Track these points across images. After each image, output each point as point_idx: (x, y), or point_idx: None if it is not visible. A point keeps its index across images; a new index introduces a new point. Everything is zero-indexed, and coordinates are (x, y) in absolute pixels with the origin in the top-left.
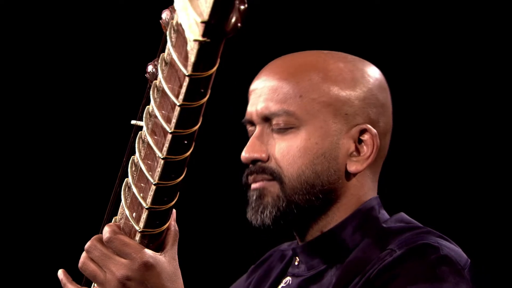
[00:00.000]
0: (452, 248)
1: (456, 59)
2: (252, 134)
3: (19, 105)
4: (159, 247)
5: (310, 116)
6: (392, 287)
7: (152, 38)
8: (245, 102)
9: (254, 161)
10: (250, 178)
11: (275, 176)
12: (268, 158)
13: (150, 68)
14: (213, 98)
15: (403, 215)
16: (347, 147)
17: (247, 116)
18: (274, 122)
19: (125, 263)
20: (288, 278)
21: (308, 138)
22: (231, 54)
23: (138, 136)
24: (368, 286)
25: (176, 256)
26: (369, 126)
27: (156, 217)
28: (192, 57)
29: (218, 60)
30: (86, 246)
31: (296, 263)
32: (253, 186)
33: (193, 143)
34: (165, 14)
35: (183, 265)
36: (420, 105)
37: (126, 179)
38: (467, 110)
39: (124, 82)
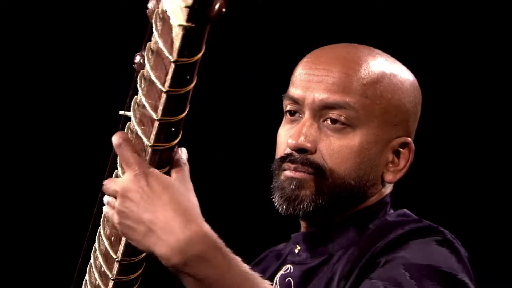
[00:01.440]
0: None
1: (456, 59)
2: (293, 118)
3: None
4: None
5: (368, 118)
6: (391, 259)
7: (139, 30)
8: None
9: (301, 150)
10: (291, 166)
11: (319, 172)
12: (317, 151)
13: (137, 58)
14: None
15: (405, 211)
16: (387, 156)
17: (297, 96)
18: (332, 115)
19: (124, 177)
20: (289, 266)
21: (363, 142)
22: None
23: (126, 126)
24: (371, 262)
25: (189, 179)
26: (410, 139)
27: None
28: (177, 43)
29: (204, 46)
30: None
31: (297, 251)
32: (291, 174)
33: (181, 131)
34: (151, 4)
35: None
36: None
37: (116, 170)
38: (467, 110)
39: (112, 74)
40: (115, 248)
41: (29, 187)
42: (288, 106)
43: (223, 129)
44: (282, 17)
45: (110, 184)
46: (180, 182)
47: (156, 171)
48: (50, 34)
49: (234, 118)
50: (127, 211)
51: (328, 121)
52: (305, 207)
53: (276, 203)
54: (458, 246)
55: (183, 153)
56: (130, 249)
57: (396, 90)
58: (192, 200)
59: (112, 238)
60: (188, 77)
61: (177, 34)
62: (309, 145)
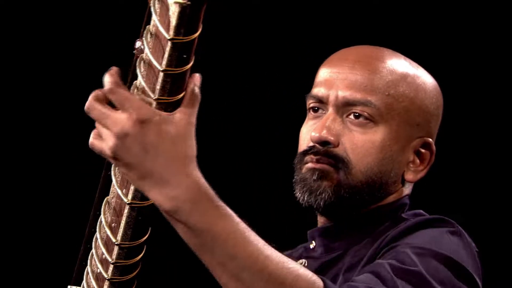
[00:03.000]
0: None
1: (455, 59)
2: (317, 114)
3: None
4: None
5: (390, 116)
6: (399, 244)
7: (139, 17)
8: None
9: (324, 143)
10: (313, 158)
11: (342, 164)
12: (339, 144)
13: (138, 44)
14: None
15: (421, 211)
16: (408, 156)
17: (320, 95)
18: (355, 110)
19: (122, 118)
20: (303, 260)
21: (383, 138)
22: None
23: None
24: (379, 250)
25: (193, 120)
26: (431, 140)
27: None
28: (173, 21)
29: (200, 26)
30: (85, 107)
31: (312, 247)
32: (313, 165)
33: None
34: None
35: (183, 266)
36: None
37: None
38: (467, 110)
39: (113, 60)
40: (115, 233)
41: (30, 178)
42: (311, 104)
43: (229, 128)
44: (289, 18)
45: (103, 115)
46: (181, 127)
47: (155, 116)
48: (47, 28)
49: (244, 117)
50: (122, 155)
51: (351, 116)
52: (326, 197)
53: (298, 194)
54: (469, 240)
55: (196, 81)
56: (130, 233)
57: (418, 91)
58: (189, 149)
59: (113, 224)
60: (184, 56)
61: (173, 12)
62: (332, 138)
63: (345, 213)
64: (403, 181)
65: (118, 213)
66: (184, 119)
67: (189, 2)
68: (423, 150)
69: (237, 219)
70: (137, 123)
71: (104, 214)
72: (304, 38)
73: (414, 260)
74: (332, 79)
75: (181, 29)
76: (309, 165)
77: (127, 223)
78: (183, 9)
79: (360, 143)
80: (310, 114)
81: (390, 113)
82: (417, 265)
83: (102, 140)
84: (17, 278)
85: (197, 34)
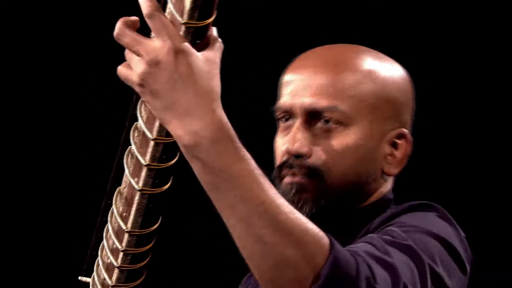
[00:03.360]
0: None
1: (455, 59)
2: (287, 124)
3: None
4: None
5: (358, 116)
6: (387, 225)
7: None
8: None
9: (297, 156)
10: (288, 171)
11: (317, 174)
12: (311, 154)
13: None
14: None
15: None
16: (385, 150)
17: (286, 106)
18: (322, 117)
19: (156, 45)
20: None
21: (355, 139)
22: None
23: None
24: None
25: (218, 60)
26: (406, 131)
27: (157, 176)
28: (187, 5)
29: (215, 12)
30: (115, 33)
31: None
32: (290, 180)
33: None
34: None
35: (182, 266)
36: (419, 104)
37: (129, 147)
38: (467, 110)
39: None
40: (125, 221)
41: (42, 169)
42: (279, 115)
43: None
44: (288, 18)
45: (136, 41)
46: (209, 64)
47: (188, 48)
48: (49, 29)
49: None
50: (151, 82)
51: (320, 123)
52: (307, 209)
53: None
54: (457, 225)
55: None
56: (140, 220)
57: (385, 85)
58: (215, 86)
59: (124, 214)
60: (197, 41)
61: None
62: (303, 149)
63: (329, 219)
64: (384, 176)
65: (129, 203)
66: (212, 58)
67: None
68: (399, 141)
69: (254, 163)
70: (171, 52)
71: (116, 204)
72: (303, 38)
73: (404, 236)
74: (295, 87)
75: (194, 13)
76: (287, 179)
77: (137, 210)
78: None
79: (333, 149)
80: (280, 125)
81: (359, 113)
82: (407, 240)
83: (131, 67)
84: (29, 269)
85: (211, 20)
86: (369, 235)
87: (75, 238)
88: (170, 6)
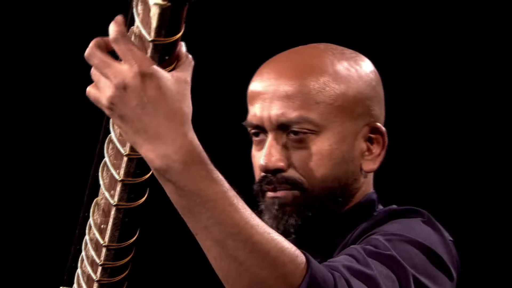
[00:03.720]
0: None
1: (455, 59)
2: (259, 139)
3: None
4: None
5: (328, 121)
6: (371, 234)
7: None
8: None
9: (274, 171)
10: (269, 187)
11: (297, 186)
12: (288, 167)
13: None
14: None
15: (395, 207)
16: (361, 147)
17: (256, 121)
18: (292, 129)
19: (123, 69)
20: None
21: (329, 144)
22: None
23: None
24: (351, 243)
25: (189, 79)
26: (378, 124)
27: (132, 191)
28: (154, 22)
29: (183, 27)
30: (86, 53)
31: None
32: (272, 194)
33: None
34: None
35: (170, 266)
36: (419, 104)
37: (104, 159)
38: (468, 110)
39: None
40: (103, 235)
41: (20, 179)
42: (251, 131)
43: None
44: (283, 21)
45: (104, 64)
46: (179, 85)
47: (156, 71)
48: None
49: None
50: (119, 106)
51: (292, 134)
52: (294, 222)
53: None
54: (442, 229)
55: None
56: (117, 235)
57: (350, 83)
58: (186, 108)
59: (102, 226)
60: (166, 57)
61: (154, 14)
62: (280, 164)
63: (316, 228)
64: (364, 174)
65: (106, 214)
66: (182, 77)
67: (169, 4)
68: (373, 136)
69: (227, 185)
70: (137, 76)
71: (93, 215)
72: (303, 38)
73: (387, 245)
74: (262, 99)
75: (162, 30)
76: (269, 194)
77: (114, 224)
78: (163, 10)
79: (308, 159)
80: (254, 139)
81: (329, 118)
82: (390, 250)
83: (100, 90)
84: (9, 279)
85: (179, 35)
86: (351, 246)
87: (55, 247)
88: (138, 24)
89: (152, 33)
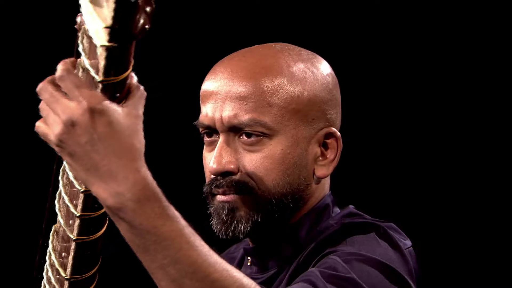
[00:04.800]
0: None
1: (455, 59)
2: (210, 140)
3: None
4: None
5: (281, 125)
6: (327, 253)
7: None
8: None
9: (223, 174)
10: (219, 190)
11: (247, 190)
12: (239, 170)
13: (79, 19)
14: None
15: (351, 209)
16: (314, 152)
17: (207, 121)
18: (244, 132)
19: (71, 106)
20: None
21: (281, 149)
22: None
23: None
24: (307, 259)
25: (140, 112)
26: (333, 129)
27: (90, 224)
28: (102, 63)
29: (132, 62)
30: (38, 87)
31: (249, 264)
32: (222, 198)
33: None
34: (79, 19)
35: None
36: (418, 104)
37: (59, 190)
38: (468, 110)
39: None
40: (64, 267)
41: None
42: (203, 131)
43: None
44: (283, 20)
45: (53, 99)
46: (130, 119)
47: (106, 106)
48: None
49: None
50: (68, 144)
51: (243, 137)
52: (242, 228)
53: (214, 228)
54: (397, 239)
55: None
56: (79, 267)
57: (305, 86)
58: (138, 143)
59: (63, 254)
60: (117, 95)
61: (101, 54)
62: (229, 166)
63: (268, 233)
64: (317, 180)
65: (66, 241)
66: (133, 111)
67: (116, 45)
68: (328, 140)
69: (183, 222)
70: (87, 112)
71: (53, 242)
72: (303, 38)
73: (345, 267)
74: (215, 100)
75: (111, 70)
76: (219, 197)
77: (75, 258)
78: (110, 51)
79: (259, 163)
80: (205, 139)
81: (281, 121)
82: (349, 272)
83: (48, 126)
84: None
85: (128, 72)
86: (309, 270)
87: (16, 275)
88: (86, 64)
89: (101, 74)
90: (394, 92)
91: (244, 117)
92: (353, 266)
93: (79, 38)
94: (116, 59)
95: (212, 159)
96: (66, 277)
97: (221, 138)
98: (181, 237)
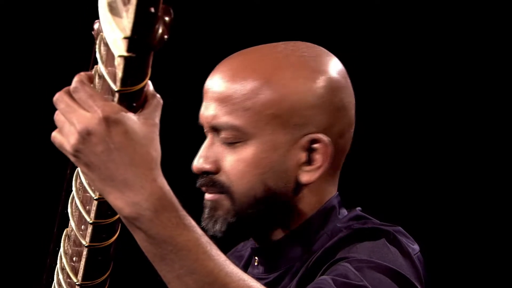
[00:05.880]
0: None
1: (455, 59)
2: (206, 133)
3: None
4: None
5: (258, 129)
6: (337, 260)
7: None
8: None
9: (205, 173)
10: (202, 188)
11: (225, 190)
12: (220, 170)
13: (96, 25)
14: None
15: (358, 212)
16: (298, 158)
17: (200, 119)
18: (221, 134)
19: (87, 116)
20: None
21: (257, 152)
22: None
23: None
24: (317, 265)
25: (157, 121)
26: (319, 135)
27: (104, 231)
28: (119, 73)
29: (149, 73)
30: (54, 97)
31: (256, 263)
32: (206, 196)
33: None
34: (97, 25)
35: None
36: (418, 104)
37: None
38: (469, 110)
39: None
40: (76, 272)
41: None
42: (203, 128)
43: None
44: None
45: (70, 109)
46: (146, 128)
47: (122, 116)
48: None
49: None
50: (84, 154)
51: (223, 137)
52: (218, 227)
53: (203, 226)
54: (406, 245)
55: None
56: (91, 273)
57: (288, 90)
58: (154, 152)
59: (74, 258)
60: (134, 104)
61: (119, 64)
62: (208, 166)
63: (256, 233)
64: (301, 184)
65: (77, 245)
66: (150, 120)
67: (134, 55)
68: (315, 146)
69: (200, 231)
70: (102, 121)
71: (64, 245)
72: (303, 38)
73: (357, 274)
74: (205, 99)
75: (128, 80)
76: (205, 195)
77: (86, 263)
78: (128, 62)
79: (234, 165)
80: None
81: (257, 126)
82: (361, 280)
83: (64, 136)
84: None
85: (145, 81)
86: (321, 277)
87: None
88: (103, 72)
89: (118, 83)
90: (394, 92)
91: (220, 120)
92: (364, 273)
93: (96, 46)
94: (133, 69)
95: (196, 157)
96: (77, 283)
97: (208, 137)
98: (198, 247)
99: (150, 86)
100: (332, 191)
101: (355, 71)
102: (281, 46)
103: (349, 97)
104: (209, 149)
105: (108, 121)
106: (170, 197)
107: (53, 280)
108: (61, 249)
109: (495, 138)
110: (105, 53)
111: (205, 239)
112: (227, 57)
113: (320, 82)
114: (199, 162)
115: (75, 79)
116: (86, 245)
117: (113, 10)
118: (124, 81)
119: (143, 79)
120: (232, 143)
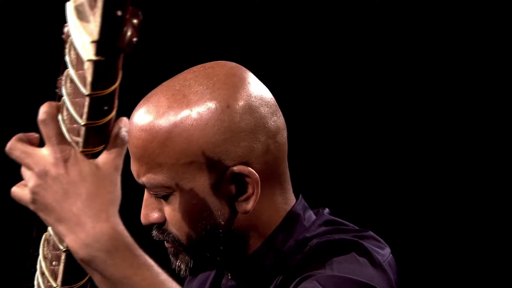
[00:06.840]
0: (374, 244)
1: (455, 59)
2: None
3: None
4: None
5: (178, 179)
6: (308, 276)
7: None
8: None
9: (153, 224)
10: (158, 239)
11: (175, 239)
12: (165, 220)
13: (66, 29)
14: None
15: (327, 216)
16: (228, 192)
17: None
18: (150, 191)
19: (44, 156)
20: None
21: (186, 200)
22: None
23: None
24: (288, 281)
25: (118, 162)
26: (239, 167)
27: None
28: (89, 77)
29: (120, 75)
30: (6, 148)
31: (230, 277)
32: (166, 244)
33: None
34: (67, 28)
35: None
36: (418, 104)
37: None
38: (469, 110)
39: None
40: (55, 276)
41: None
42: None
43: None
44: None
45: (25, 154)
46: (106, 168)
47: (78, 155)
48: None
49: None
50: (42, 195)
51: (153, 194)
52: (184, 270)
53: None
54: (376, 253)
55: (122, 124)
56: (70, 277)
57: (192, 136)
58: (111, 193)
59: (53, 262)
60: (105, 108)
61: (88, 68)
62: (154, 218)
63: (221, 265)
64: (244, 214)
65: (56, 249)
66: (108, 162)
67: (103, 58)
68: (241, 176)
69: (156, 269)
70: (59, 161)
71: (44, 251)
72: (303, 38)
73: None
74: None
75: (98, 84)
76: (164, 243)
77: (65, 268)
78: (97, 66)
79: (172, 216)
80: None
81: (176, 177)
82: None
83: (24, 187)
84: None
85: (116, 85)
86: None
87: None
88: (73, 77)
89: (88, 88)
90: (393, 92)
91: (143, 179)
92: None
93: (66, 50)
94: (103, 72)
95: (141, 211)
96: (57, 287)
97: (146, 190)
98: (153, 285)
99: (116, 128)
100: (289, 199)
101: (355, 71)
102: (176, 85)
103: (259, 110)
104: (149, 202)
105: (66, 162)
106: (123, 237)
107: (33, 285)
108: (41, 254)
109: (490, 138)
110: (75, 57)
111: (162, 277)
112: (137, 105)
113: (222, 115)
114: (144, 217)
115: (45, 110)
116: (63, 249)
117: (80, 14)
118: (95, 85)
119: (114, 83)
120: (162, 197)
